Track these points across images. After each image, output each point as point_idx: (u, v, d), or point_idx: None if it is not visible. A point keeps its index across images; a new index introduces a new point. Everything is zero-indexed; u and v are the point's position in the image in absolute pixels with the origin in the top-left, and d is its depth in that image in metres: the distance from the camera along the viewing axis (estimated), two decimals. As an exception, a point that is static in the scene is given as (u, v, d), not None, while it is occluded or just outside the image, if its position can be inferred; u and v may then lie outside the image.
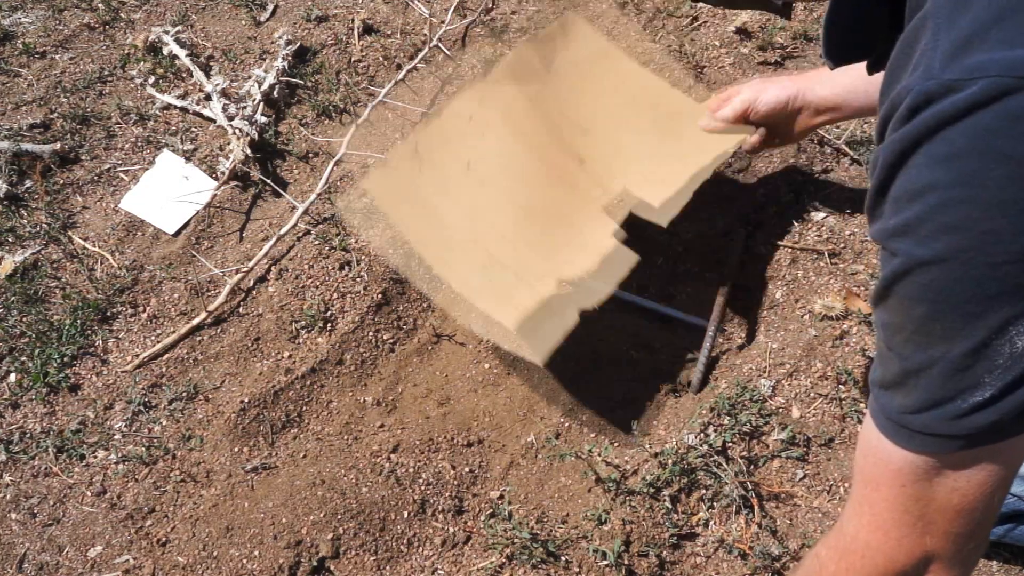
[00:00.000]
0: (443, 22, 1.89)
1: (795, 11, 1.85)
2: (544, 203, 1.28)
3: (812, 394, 1.32)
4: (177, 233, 1.58)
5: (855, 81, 1.28)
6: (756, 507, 1.22)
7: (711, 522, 1.21)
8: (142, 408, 1.35)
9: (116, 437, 1.32)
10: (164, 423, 1.34)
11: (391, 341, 1.44)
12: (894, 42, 0.62)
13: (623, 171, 1.34)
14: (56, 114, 1.74)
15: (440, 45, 1.88)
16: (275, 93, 1.77)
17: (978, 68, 0.54)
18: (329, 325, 1.44)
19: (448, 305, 1.35)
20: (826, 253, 1.49)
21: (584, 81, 1.42)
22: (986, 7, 0.55)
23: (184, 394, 1.36)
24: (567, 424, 1.33)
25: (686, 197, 1.31)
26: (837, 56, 0.71)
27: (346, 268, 1.50)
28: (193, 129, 1.75)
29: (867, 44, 0.67)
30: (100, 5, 1.98)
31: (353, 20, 1.93)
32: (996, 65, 0.53)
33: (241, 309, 1.47)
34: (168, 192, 1.63)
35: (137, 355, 1.41)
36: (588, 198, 1.30)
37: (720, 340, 1.44)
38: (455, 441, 1.30)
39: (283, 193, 1.62)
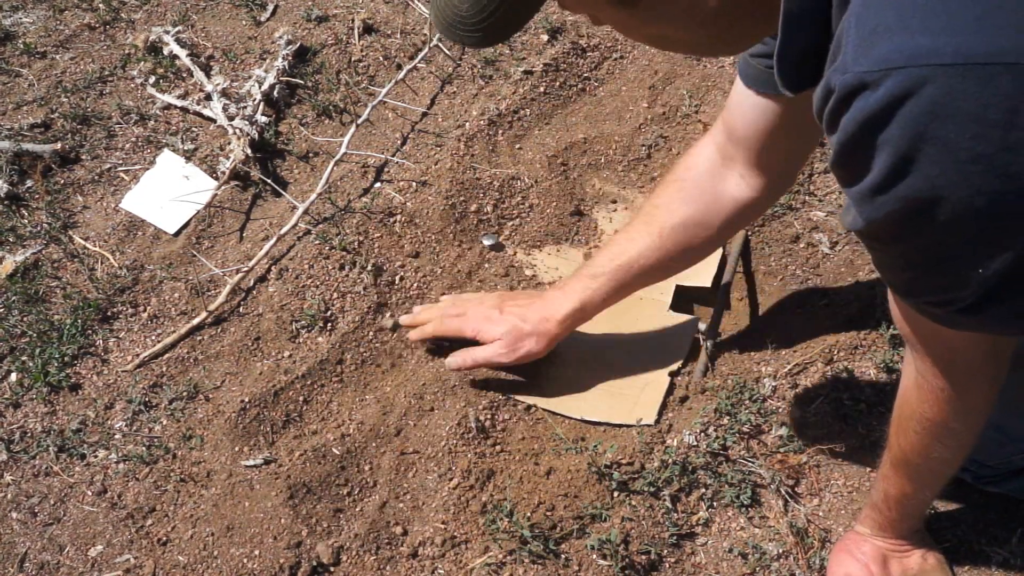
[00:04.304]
0: (443, 22, 1.89)
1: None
2: (620, 319, 1.45)
3: (812, 394, 1.32)
4: (177, 233, 1.59)
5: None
6: (756, 506, 1.22)
7: (711, 522, 1.21)
8: (142, 408, 1.35)
9: (116, 437, 1.32)
10: (164, 423, 1.34)
11: (391, 341, 1.44)
12: None
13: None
14: (57, 114, 1.74)
15: (440, 45, 1.88)
16: (275, 93, 1.77)
17: (885, 59, 0.56)
18: (329, 325, 1.44)
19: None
20: (827, 252, 1.49)
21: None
22: (892, 1, 0.57)
23: (184, 394, 1.36)
24: (569, 421, 1.33)
25: (718, 253, 1.49)
26: (795, 86, 0.72)
27: (346, 268, 1.50)
28: (193, 129, 1.75)
29: (819, 71, 0.68)
30: (101, 5, 1.99)
31: (353, 20, 1.94)
32: (902, 55, 0.56)
33: (241, 309, 1.47)
34: (168, 192, 1.63)
35: (137, 355, 1.41)
36: (647, 301, 1.47)
37: (720, 340, 1.44)
38: (456, 439, 1.30)
39: (283, 193, 1.63)
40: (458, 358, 1.33)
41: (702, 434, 1.26)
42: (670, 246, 1.24)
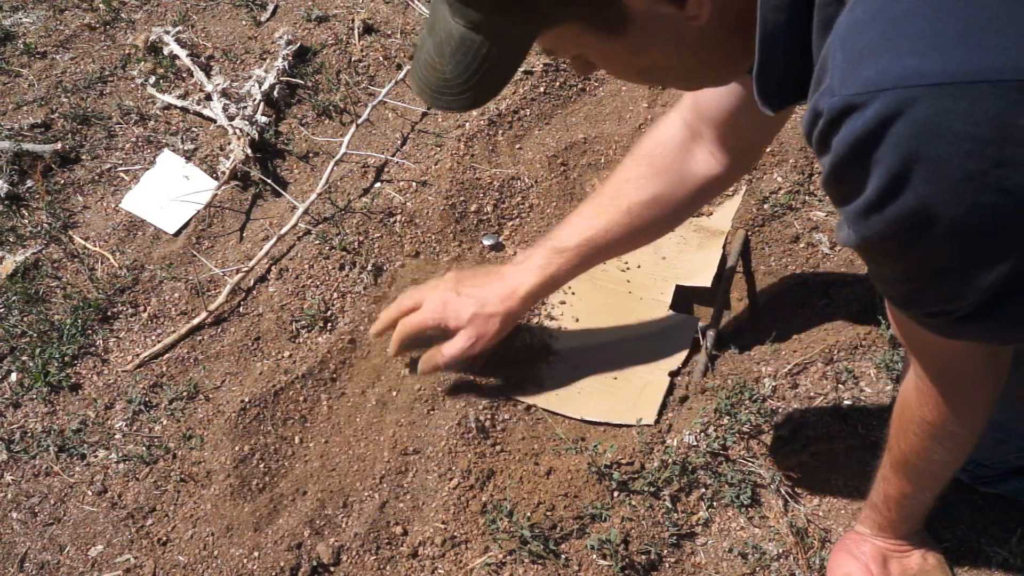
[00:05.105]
0: (443, 22, 1.89)
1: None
2: (620, 319, 1.46)
3: (812, 394, 1.32)
4: (177, 233, 1.59)
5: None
6: (756, 506, 1.22)
7: (711, 522, 1.21)
8: (142, 408, 1.35)
9: (117, 436, 1.32)
10: (164, 423, 1.34)
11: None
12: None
13: (662, 273, 1.52)
14: (57, 114, 1.74)
15: (440, 45, 1.88)
16: (275, 93, 1.77)
17: (872, 81, 0.57)
18: (329, 325, 1.44)
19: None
20: (827, 252, 1.49)
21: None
22: (877, 23, 0.58)
23: (184, 394, 1.36)
24: (569, 421, 1.33)
25: (718, 253, 1.50)
26: (775, 105, 0.73)
27: (346, 268, 1.50)
28: (193, 129, 1.75)
29: (802, 90, 0.69)
30: (101, 5, 1.99)
31: (353, 20, 1.94)
32: (889, 77, 0.56)
33: (241, 309, 1.47)
34: (168, 192, 1.63)
35: (137, 355, 1.41)
36: (647, 301, 1.49)
37: (720, 340, 1.44)
38: (456, 439, 1.30)
39: (283, 193, 1.63)
40: (427, 364, 1.29)
41: (702, 434, 1.26)
42: (637, 223, 1.23)
